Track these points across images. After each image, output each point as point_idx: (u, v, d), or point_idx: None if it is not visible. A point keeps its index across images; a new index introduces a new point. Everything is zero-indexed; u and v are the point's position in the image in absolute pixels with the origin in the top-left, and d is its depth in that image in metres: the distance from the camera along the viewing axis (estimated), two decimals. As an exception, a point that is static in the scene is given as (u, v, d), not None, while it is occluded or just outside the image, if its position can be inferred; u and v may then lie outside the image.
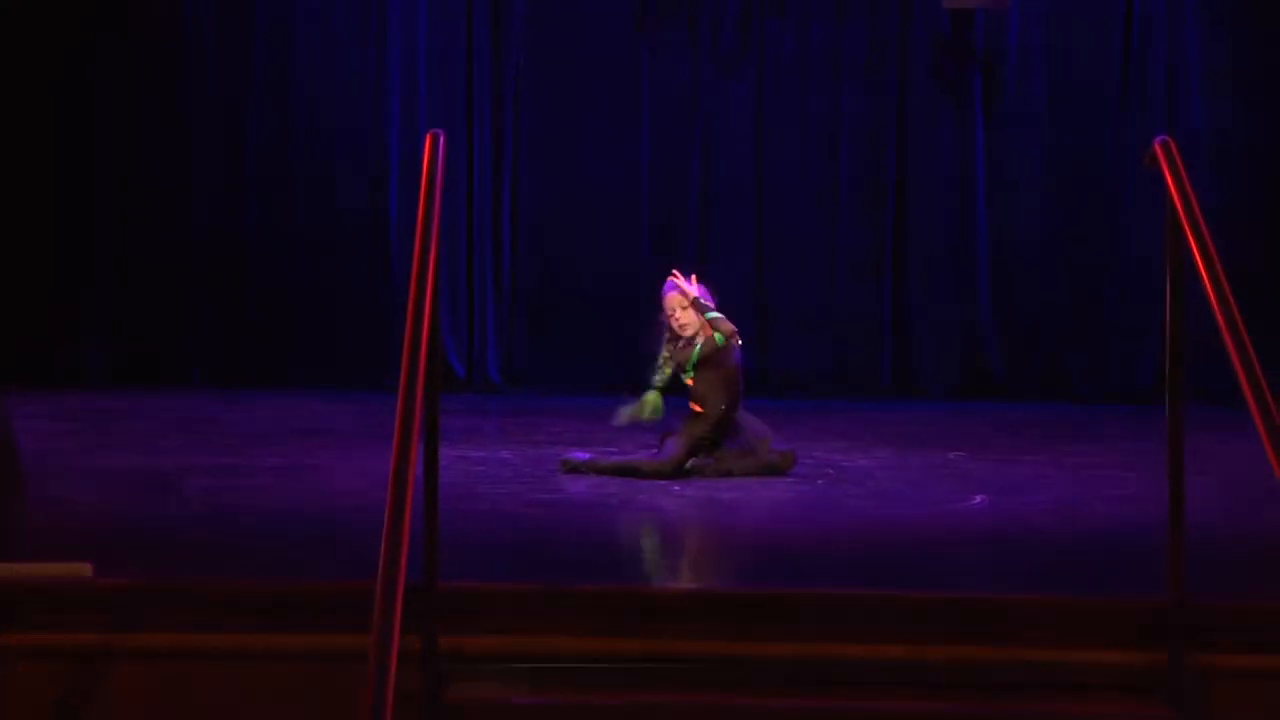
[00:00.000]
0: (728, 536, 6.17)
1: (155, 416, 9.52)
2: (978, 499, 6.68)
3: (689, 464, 7.30)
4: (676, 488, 6.99)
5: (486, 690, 4.52)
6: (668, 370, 7.50)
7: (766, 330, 11.38)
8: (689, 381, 7.47)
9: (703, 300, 7.51)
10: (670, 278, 7.63)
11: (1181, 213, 4.28)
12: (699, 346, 7.45)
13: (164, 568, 5.13)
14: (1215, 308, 4.05)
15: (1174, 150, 4.42)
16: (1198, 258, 4.15)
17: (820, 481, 7.23)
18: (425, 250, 4.22)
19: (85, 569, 4.78)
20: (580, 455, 7.43)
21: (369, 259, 11.36)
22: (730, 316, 11.43)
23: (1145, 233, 10.72)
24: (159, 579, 4.79)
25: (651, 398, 7.49)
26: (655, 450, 7.35)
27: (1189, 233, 4.21)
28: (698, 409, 7.42)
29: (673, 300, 7.54)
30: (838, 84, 11.36)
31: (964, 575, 5.49)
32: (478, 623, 4.60)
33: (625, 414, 7.54)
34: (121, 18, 11.36)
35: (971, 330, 11.29)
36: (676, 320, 7.50)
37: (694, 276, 7.62)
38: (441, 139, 4.51)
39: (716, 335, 7.42)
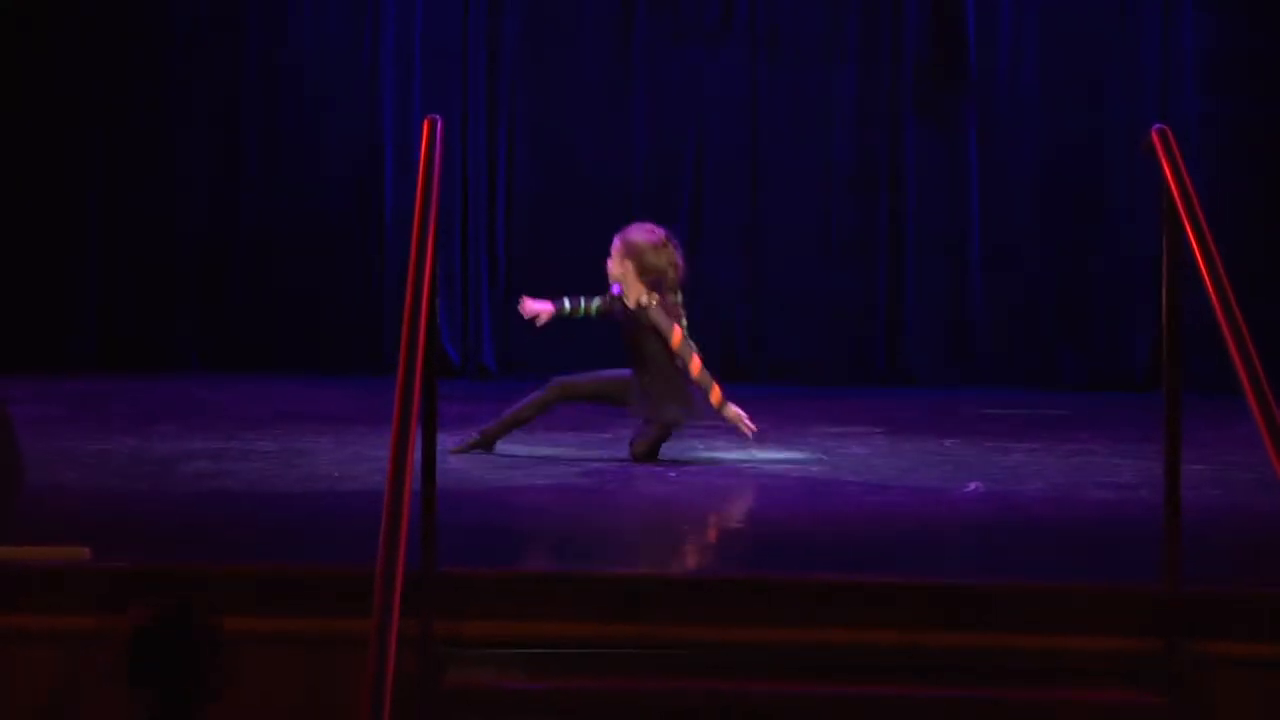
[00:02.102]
0: (721, 522, 6.18)
1: (149, 400, 9.52)
2: (972, 486, 6.69)
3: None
4: (673, 474, 6.99)
5: (484, 675, 4.54)
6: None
7: (759, 316, 11.40)
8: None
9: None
10: (637, 225, 7.51)
11: (1179, 200, 4.29)
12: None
13: (162, 551, 5.14)
14: (1212, 296, 4.07)
15: (1171, 138, 4.43)
16: (1194, 245, 4.16)
17: (814, 468, 7.24)
18: (423, 234, 4.23)
19: (83, 552, 4.79)
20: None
21: (363, 243, 11.37)
22: (724, 302, 11.50)
23: (1138, 221, 10.73)
24: (156, 563, 4.80)
25: None
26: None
27: (1186, 220, 4.22)
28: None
29: (618, 246, 7.44)
30: (830, 69, 11.36)
31: (958, 562, 5.51)
32: (475, 608, 4.61)
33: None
34: (114, 3, 11.35)
35: (965, 317, 11.31)
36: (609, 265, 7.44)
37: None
38: (439, 124, 4.53)
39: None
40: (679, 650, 4.59)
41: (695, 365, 7.29)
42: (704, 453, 7.59)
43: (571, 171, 11.49)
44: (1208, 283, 4.06)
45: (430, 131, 4.50)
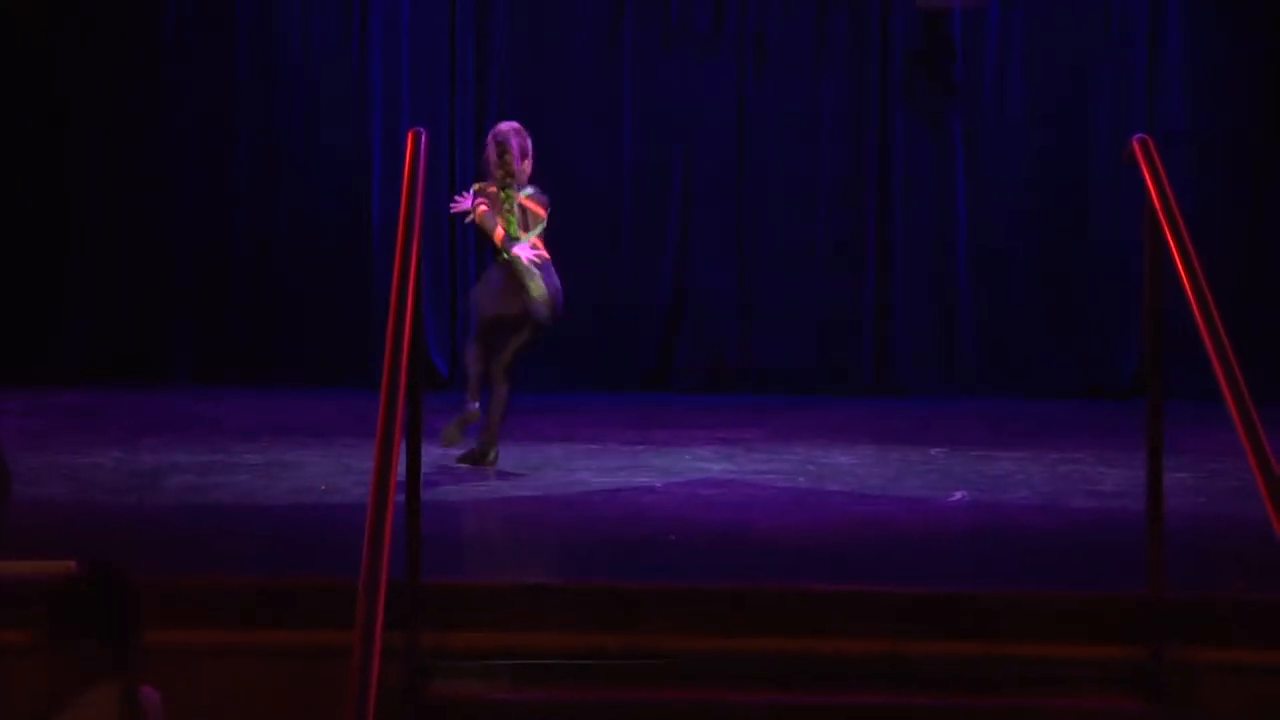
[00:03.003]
0: (709, 532, 6.18)
1: (138, 413, 9.52)
2: (958, 495, 6.71)
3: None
4: (659, 484, 6.99)
5: (469, 686, 4.54)
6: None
7: (748, 325, 11.41)
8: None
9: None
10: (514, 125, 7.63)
11: (1159, 209, 4.30)
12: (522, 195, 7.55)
13: (148, 564, 5.14)
14: (1193, 303, 4.08)
15: (1152, 148, 4.45)
16: (1175, 254, 4.17)
17: (801, 478, 7.25)
18: (407, 247, 4.24)
19: (69, 567, 4.78)
20: None
21: (352, 255, 11.37)
22: (713, 311, 11.52)
23: (1123, 230, 10.75)
24: (143, 576, 4.79)
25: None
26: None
27: (1167, 229, 4.24)
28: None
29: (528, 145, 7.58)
30: (818, 80, 11.38)
31: (945, 571, 5.52)
32: (460, 619, 4.61)
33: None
34: (107, 14, 11.36)
35: (952, 326, 11.32)
36: (521, 167, 7.56)
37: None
38: (424, 137, 4.53)
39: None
40: (665, 660, 4.59)
41: (479, 213, 7.54)
42: (690, 463, 7.61)
43: (560, 180, 11.42)
44: (1188, 290, 4.07)
45: (414, 144, 4.50)
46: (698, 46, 11.39)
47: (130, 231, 11.39)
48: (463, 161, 11.43)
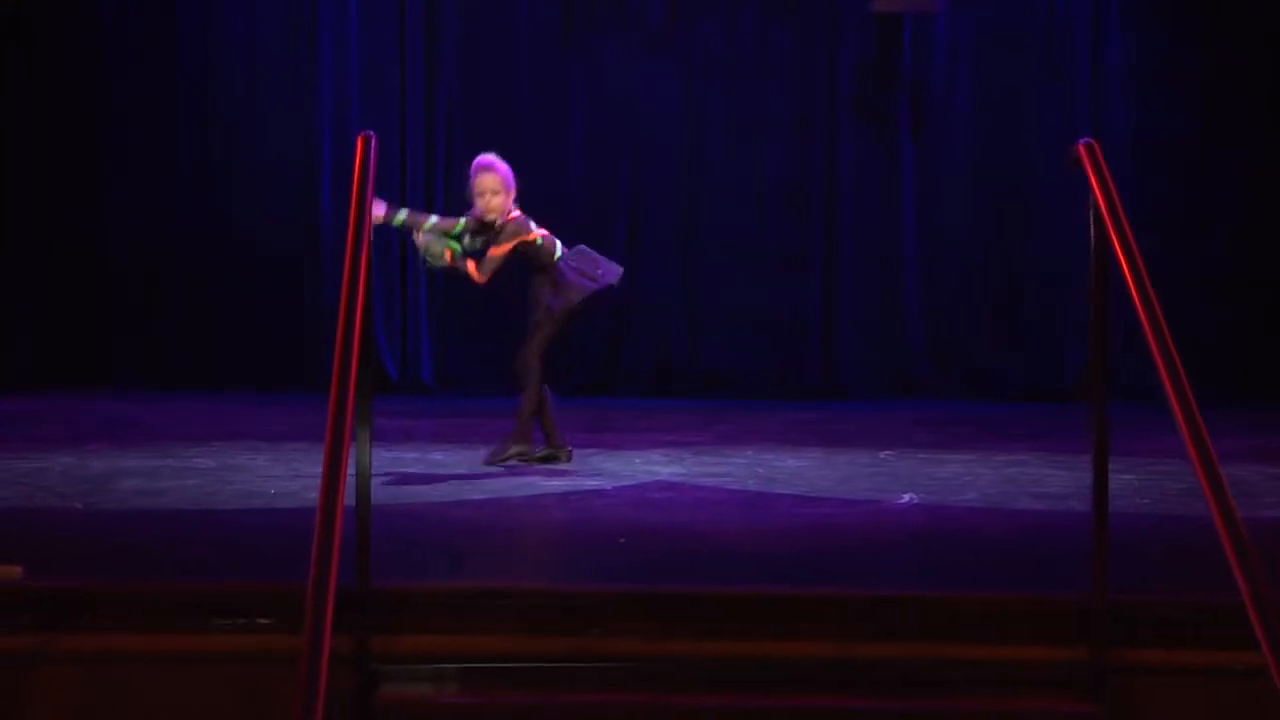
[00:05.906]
0: (658, 536, 6.19)
1: (83, 418, 9.47)
2: (906, 498, 6.73)
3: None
4: (609, 488, 7.00)
5: (419, 690, 4.54)
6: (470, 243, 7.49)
7: (695, 329, 11.43)
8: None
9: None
10: (488, 155, 7.52)
11: (1105, 213, 4.33)
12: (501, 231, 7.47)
13: (95, 570, 5.11)
14: (1138, 307, 4.11)
15: (1097, 152, 4.47)
16: (1121, 258, 4.20)
17: (750, 481, 7.27)
18: (357, 252, 4.23)
19: (15, 571, 4.77)
20: None
21: (301, 259, 11.35)
22: (660, 315, 11.53)
23: (1069, 234, 10.83)
24: (90, 581, 4.78)
25: (446, 248, 7.44)
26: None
27: (1113, 233, 4.27)
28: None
29: (488, 181, 7.44)
30: (767, 85, 11.43)
31: (892, 574, 5.54)
32: (410, 623, 4.61)
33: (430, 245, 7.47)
34: (44, 18, 11.30)
35: (900, 330, 11.38)
36: (485, 202, 7.44)
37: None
38: (373, 141, 4.53)
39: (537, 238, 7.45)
40: (615, 664, 4.60)
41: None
42: (640, 466, 7.62)
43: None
44: (1134, 293, 4.10)
45: (364, 148, 4.50)
46: (648, 50, 11.41)
47: (72, 235, 11.34)
48: (414, 164, 11.43)
